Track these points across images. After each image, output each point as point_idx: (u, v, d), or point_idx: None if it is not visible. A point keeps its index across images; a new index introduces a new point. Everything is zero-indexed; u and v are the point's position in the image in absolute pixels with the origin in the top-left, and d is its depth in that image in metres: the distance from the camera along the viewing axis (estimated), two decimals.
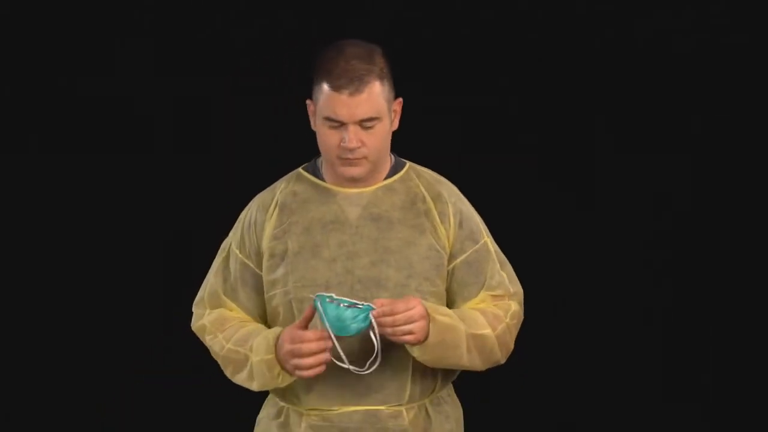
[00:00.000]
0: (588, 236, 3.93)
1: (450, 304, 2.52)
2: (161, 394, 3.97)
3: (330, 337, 2.31)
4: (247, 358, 2.44)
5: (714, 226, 3.92)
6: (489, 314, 2.47)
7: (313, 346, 2.31)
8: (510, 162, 3.92)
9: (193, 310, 2.60)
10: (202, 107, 3.93)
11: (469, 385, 2.70)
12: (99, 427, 3.96)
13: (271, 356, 2.39)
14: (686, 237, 3.92)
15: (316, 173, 2.54)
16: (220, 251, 2.60)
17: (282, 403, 2.53)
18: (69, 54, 3.89)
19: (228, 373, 2.53)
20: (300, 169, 2.57)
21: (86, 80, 3.90)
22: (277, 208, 2.51)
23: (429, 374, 2.49)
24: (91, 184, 3.95)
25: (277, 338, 2.38)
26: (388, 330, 2.30)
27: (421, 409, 2.50)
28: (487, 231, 2.56)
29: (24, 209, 3.94)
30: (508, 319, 2.48)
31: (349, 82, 2.34)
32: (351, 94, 2.34)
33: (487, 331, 2.43)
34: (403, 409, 2.46)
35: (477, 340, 2.42)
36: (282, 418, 2.51)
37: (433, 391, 2.52)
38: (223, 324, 2.52)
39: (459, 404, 2.62)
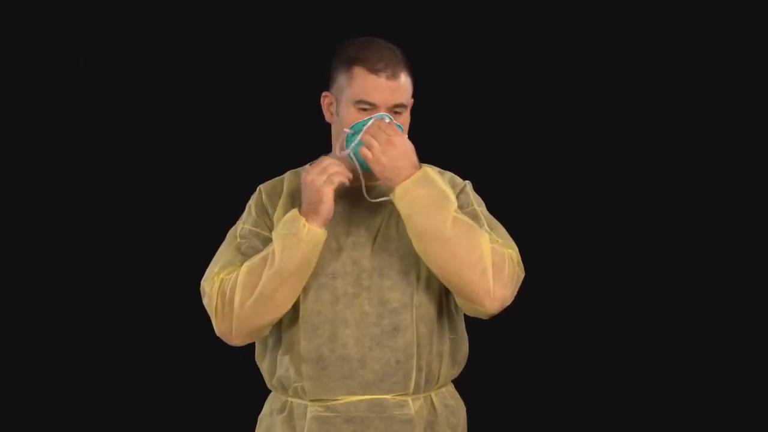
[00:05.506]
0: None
1: None
2: (161, 395, 3.98)
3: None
4: (267, 253, 2.38)
5: (705, 215, 3.95)
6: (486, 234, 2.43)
7: (328, 160, 2.39)
8: (509, 162, 3.94)
9: (203, 284, 2.47)
10: (202, 107, 3.93)
11: (470, 387, 2.69)
12: (98, 427, 3.97)
13: (294, 212, 2.38)
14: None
15: None
16: (227, 238, 2.53)
17: (285, 398, 2.52)
18: (69, 54, 3.91)
19: (247, 296, 2.39)
20: (307, 166, 2.56)
21: (90, 79, 3.92)
22: (285, 196, 2.52)
23: (433, 362, 2.49)
24: (91, 184, 3.96)
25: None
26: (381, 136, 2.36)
27: (427, 400, 2.50)
28: (485, 209, 2.54)
29: (26, 210, 3.96)
30: (503, 249, 2.41)
31: (387, 66, 2.40)
32: (388, 78, 2.40)
33: (479, 230, 2.39)
34: (408, 399, 2.47)
35: (467, 228, 2.37)
36: (286, 412, 2.50)
37: (437, 381, 2.51)
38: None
39: (463, 405, 2.61)
